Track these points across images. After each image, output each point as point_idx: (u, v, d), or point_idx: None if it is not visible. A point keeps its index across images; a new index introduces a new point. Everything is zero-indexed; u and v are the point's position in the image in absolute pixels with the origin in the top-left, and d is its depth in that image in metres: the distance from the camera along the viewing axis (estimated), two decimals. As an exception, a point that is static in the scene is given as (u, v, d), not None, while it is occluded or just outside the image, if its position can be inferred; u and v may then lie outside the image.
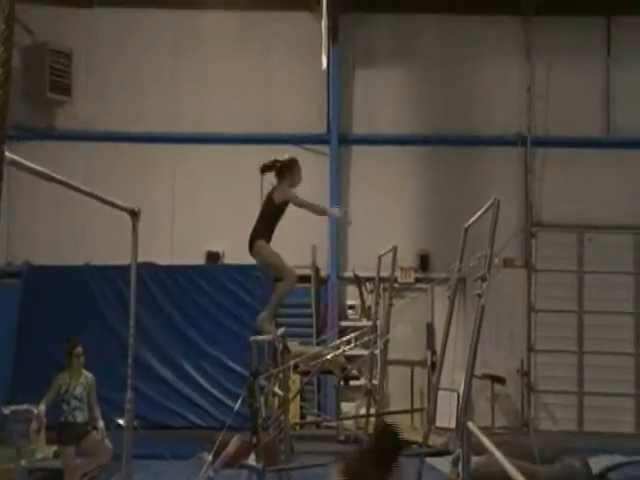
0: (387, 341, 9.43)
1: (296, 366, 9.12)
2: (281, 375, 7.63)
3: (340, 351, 9.13)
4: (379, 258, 10.33)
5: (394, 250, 9.41)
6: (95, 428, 8.41)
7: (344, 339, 10.10)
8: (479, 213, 7.52)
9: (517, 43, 13.03)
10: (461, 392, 12.15)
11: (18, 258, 12.62)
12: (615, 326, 12.45)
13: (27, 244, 12.51)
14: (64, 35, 12.68)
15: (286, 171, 7.15)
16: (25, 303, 12.35)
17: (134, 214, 6.08)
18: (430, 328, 12.61)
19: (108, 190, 12.87)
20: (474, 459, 6.27)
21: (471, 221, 7.91)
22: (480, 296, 6.81)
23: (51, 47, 12.35)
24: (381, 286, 10.68)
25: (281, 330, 8.49)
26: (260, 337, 7.14)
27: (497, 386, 12.13)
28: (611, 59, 13.03)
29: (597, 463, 9.33)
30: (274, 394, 7.70)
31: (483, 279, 6.90)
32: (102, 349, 11.14)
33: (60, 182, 5.06)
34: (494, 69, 13.03)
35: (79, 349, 8.61)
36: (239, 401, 7.06)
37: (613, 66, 13.00)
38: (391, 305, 9.38)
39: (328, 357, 8.93)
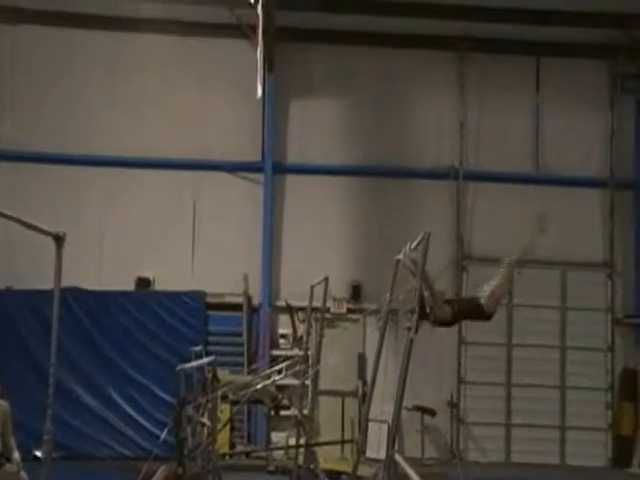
0: (318, 371, 9.38)
1: (226, 395, 9.02)
2: (210, 404, 7.53)
3: (270, 381, 9.04)
4: (311, 288, 10.31)
5: (326, 281, 9.40)
6: (9, 460, 8.06)
7: (275, 369, 10.02)
8: (412, 246, 7.59)
9: (451, 79, 13.28)
10: (391, 423, 12.16)
11: None
12: (542, 359, 12.67)
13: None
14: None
15: None
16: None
17: (59, 239, 5.92)
18: (361, 359, 12.61)
19: (34, 212, 12.53)
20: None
21: (403, 253, 7.93)
22: (409, 329, 6.82)
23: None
24: (313, 316, 10.67)
25: (210, 358, 8.38)
26: (187, 365, 7.03)
27: (427, 418, 12.17)
28: (540, 98, 13.37)
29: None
30: (202, 424, 7.58)
31: (412, 312, 6.92)
32: (23, 376, 10.86)
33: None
34: (428, 104, 13.23)
35: (-7, 379, 8.30)
36: (165, 431, 6.94)
37: (542, 105, 13.35)
38: (322, 335, 9.34)
39: (257, 387, 8.85)
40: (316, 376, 9.41)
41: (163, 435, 6.80)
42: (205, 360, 7.51)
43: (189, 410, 6.75)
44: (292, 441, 10.58)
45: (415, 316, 7.02)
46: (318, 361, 9.31)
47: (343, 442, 11.68)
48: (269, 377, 9.52)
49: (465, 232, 13.11)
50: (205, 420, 7.06)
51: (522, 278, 12.85)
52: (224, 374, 10.80)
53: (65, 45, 12.76)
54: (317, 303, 11.13)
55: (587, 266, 13.03)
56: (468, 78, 13.22)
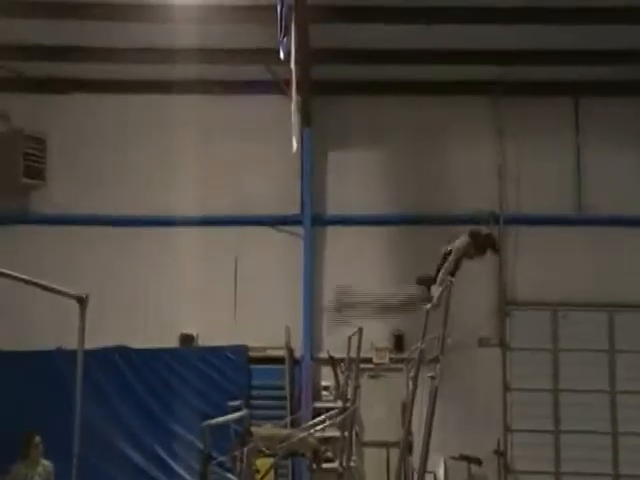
0: (354, 421, 9.38)
1: (260, 449, 9.06)
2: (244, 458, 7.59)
3: (306, 433, 9.06)
4: (349, 339, 10.38)
5: (360, 331, 9.47)
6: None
7: (314, 421, 10.05)
8: (435, 299, 7.66)
9: (487, 123, 13.25)
10: (438, 473, 12.02)
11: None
12: (591, 405, 12.36)
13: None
14: (39, 120, 12.88)
15: None
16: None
17: (82, 301, 6.13)
18: (405, 408, 12.47)
19: (83, 273, 12.93)
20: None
21: (432, 303, 8.02)
22: (433, 378, 6.82)
23: (26, 133, 12.52)
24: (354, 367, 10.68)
25: (243, 413, 8.46)
26: (213, 421, 7.12)
27: (474, 467, 11.95)
28: (580, 138, 13.25)
29: None
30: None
31: (436, 361, 6.92)
32: (70, 435, 11.02)
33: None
34: (466, 149, 13.23)
35: (37, 439, 8.60)
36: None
37: (582, 145, 13.21)
38: (358, 386, 9.35)
39: (293, 439, 8.88)
40: (352, 426, 9.39)
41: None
42: (234, 415, 7.58)
43: (214, 465, 6.80)
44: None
45: (439, 365, 7.01)
46: (354, 411, 9.31)
47: (388, 494, 11.56)
48: (309, 430, 9.55)
49: (508, 277, 12.96)
50: (231, 476, 7.10)
51: (568, 322, 12.74)
52: (266, 427, 10.85)
53: (105, 110, 13.20)
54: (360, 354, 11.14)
55: (635, 308, 12.71)
56: (504, 122, 13.17)
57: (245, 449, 7.25)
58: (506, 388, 12.56)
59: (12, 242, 12.73)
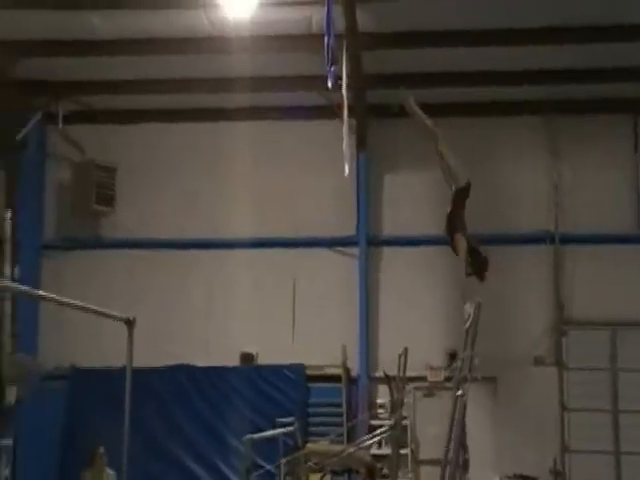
0: (401, 437, 9.60)
1: (315, 463, 9.39)
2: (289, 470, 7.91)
3: (354, 449, 9.33)
4: (399, 357, 10.60)
5: (405, 351, 9.71)
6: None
7: (365, 437, 10.32)
8: (471, 315, 7.83)
9: (542, 142, 13.31)
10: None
11: (66, 362, 13.21)
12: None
13: (73, 349, 13.13)
14: (109, 151, 13.51)
15: None
16: (70, 404, 12.97)
17: (129, 323, 6.55)
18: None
19: (149, 294, 13.49)
20: None
21: (468, 323, 8.20)
22: (462, 396, 6.99)
23: (98, 163, 13.19)
24: (410, 386, 10.95)
25: (291, 428, 8.80)
26: (256, 435, 7.46)
27: (531, 486, 11.97)
28: (639, 155, 13.17)
29: None
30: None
31: (465, 380, 7.09)
32: (133, 447, 11.56)
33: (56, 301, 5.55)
34: (520, 168, 13.31)
35: (101, 449, 9.16)
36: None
37: (641, 162, 13.17)
38: (402, 404, 9.58)
39: (342, 455, 9.15)
40: (398, 441, 9.60)
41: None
42: (279, 430, 7.92)
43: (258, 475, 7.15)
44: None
45: (467, 384, 7.19)
46: (398, 427, 9.53)
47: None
48: (360, 446, 9.81)
49: (565, 296, 12.95)
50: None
51: (625, 342, 12.62)
52: (322, 443, 11.18)
53: (172, 139, 13.79)
54: (413, 372, 11.39)
55: (696, 327, 12.55)
56: (559, 140, 13.21)
57: (284, 460, 7.57)
58: (563, 408, 12.52)
59: (84, 265, 13.44)
